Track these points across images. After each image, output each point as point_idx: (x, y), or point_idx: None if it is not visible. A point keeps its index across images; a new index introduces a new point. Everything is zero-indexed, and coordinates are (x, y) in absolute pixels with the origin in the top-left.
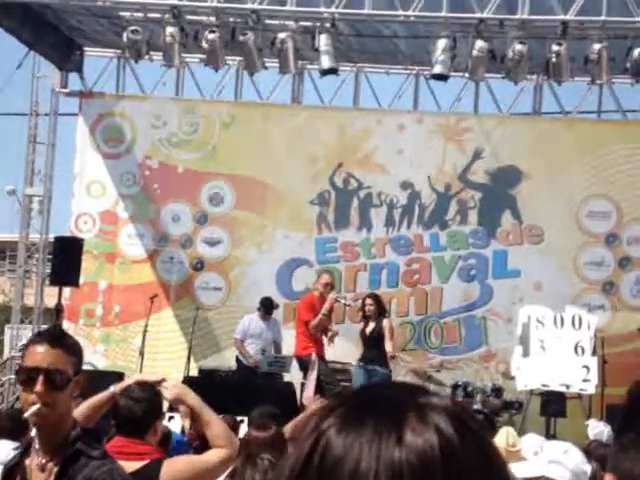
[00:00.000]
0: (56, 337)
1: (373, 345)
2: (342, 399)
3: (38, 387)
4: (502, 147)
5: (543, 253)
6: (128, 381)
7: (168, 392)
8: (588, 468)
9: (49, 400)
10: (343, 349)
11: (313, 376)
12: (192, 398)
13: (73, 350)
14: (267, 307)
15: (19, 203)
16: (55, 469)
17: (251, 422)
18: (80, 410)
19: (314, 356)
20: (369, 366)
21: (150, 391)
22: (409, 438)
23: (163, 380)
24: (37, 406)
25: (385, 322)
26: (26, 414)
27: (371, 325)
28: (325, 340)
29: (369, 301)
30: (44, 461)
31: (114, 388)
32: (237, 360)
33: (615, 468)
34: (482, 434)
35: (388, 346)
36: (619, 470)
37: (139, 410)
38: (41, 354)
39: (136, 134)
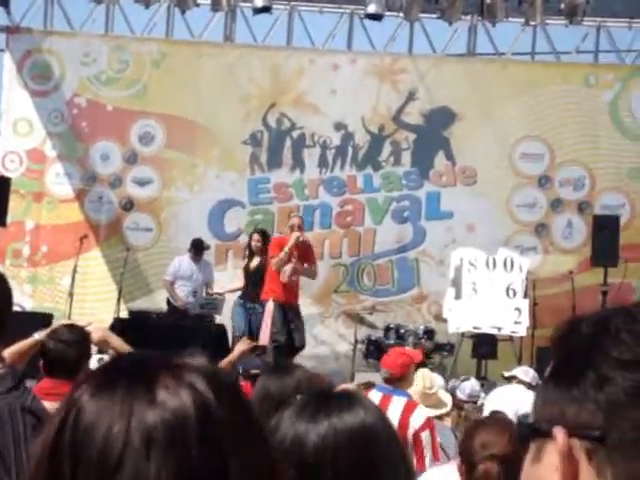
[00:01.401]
0: None
1: (256, 282)
2: (96, 369)
3: None
4: (436, 88)
5: (476, 194)
6: (53, 327)
7: (93, 335)
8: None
9: None
10: None
11: (267, 321)
12: (115, 339)
13: None
14: (197, 248)
15: None
16: None
17: None
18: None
19: (270, 302)
20: (249, 304)
21: (79, 333)
22: (162, 397)
23: (88, 324)
24: None
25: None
26: None
27: (256, 260)
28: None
29: (256, 237)
30: None
31: (38, 336)
32: (168, 302)
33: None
34: (237, 391)
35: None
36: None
37: (71, 353)
38: None
39: (64, 71)
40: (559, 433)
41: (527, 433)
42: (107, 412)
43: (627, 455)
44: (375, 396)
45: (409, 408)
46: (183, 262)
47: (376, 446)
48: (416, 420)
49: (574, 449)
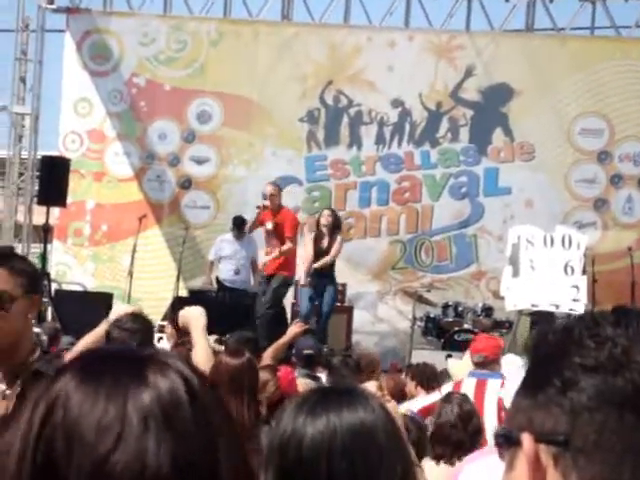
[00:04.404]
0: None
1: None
2: (73, 361)
3: None
4: (494, 64)
5: (534, 170)
6: (119, 312)
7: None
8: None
9: None
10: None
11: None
12: (198, 331)
13: (19, 270)
14: (238, 225)
15: (10, 121)
16: (15, 394)
17: (226, 347)
18: (76, 350)
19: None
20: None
21: (141, 322)
22: (154, 380)
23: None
24: None
25: (339, 238)
26: None
27: (326, 240)
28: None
29: (327, 212)
30: (4, 388)
31: (106, 325)
32: (217, 281)
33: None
34: (205, 377)
35: (325, 259)
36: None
37: (133, 341)
38: None
39: (123, 51)
40: (526, 439)
41: (500, 442)
42: (100, 397)
43: (591, 458)
44: (469, 382)
45: None
46: (225, 241)
47: (373, 445)
48: None
49: (541, 455)
